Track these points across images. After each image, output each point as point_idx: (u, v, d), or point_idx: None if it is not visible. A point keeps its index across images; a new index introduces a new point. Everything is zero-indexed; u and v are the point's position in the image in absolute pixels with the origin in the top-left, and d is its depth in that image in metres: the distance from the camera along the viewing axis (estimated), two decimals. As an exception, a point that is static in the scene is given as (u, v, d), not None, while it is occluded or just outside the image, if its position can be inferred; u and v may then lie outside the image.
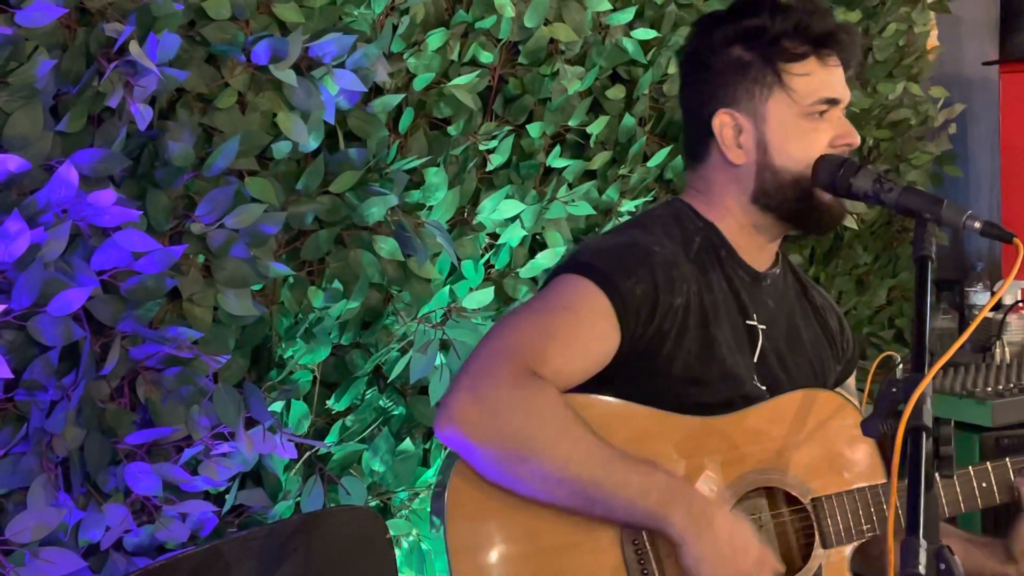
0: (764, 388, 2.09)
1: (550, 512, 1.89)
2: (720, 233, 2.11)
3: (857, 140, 2.06)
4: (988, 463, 2.09)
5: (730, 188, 2.10)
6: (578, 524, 1.90)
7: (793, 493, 2.01)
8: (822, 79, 2.05)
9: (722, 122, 2.07)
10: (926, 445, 1.54)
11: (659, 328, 1.99)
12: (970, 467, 2.08)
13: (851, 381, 2.31)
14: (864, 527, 2.02)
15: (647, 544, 1.91)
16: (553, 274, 2.06)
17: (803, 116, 2.04)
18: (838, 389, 2.26)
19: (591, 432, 1.88)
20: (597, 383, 1.98)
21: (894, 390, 1.62)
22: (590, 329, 1.96)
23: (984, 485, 2.08)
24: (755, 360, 2.09)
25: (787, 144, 2.05)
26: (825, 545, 2.00)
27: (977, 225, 1.82)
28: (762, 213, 2.09)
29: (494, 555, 1.87)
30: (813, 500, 2.01)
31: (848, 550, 2.03)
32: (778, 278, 2.18)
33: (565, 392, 1.93)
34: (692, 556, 1.87)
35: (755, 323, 2.10)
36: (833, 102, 2.06)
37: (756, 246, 2.13)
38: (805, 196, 2.04)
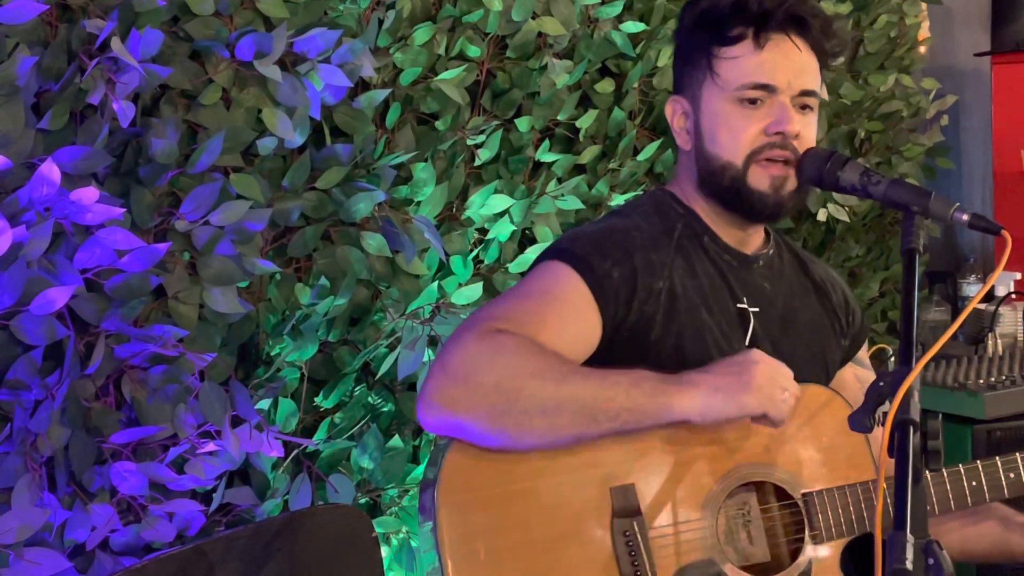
0: None
1: (540, 504, 1.88)
2: (700, 219, 2.11)
3: (794, 128, 2.01)
4: (979, 462, 2.08)
5: (689, 174, 2.12)
6: (569, 516, 1.89)
7: (784, 488, 2.00)
8: (756, 64, 2.02)
9: (672, 109, 2.11)
10: (913, 439, 1.53)
11: (641, 311, 1.99)
12: (960, 465, 2.06)
13: (863, 353, 2.30)
14: (855, 523, 2.00)
15: (638, 535, 1.90)
16: (534, 263, 2.06)
17: (732, 102, 2.03)
18: (851, 366, 2.25)
19: (565, 360, 1.88)
20: None
21: (881, 384, 1.61)
22: (570, 312, 1.95)
23: (975, 484, 2.06)
24: (747, 344, 2.08)
25: (716, 131, 2.04)
26: (815, 541, 1.99)
27: (965, 218, 1.81)
28: (709, 200, 2.09)
29: (486, 546, 1.86)
30: (804, 495, 2.00)
31: (838, 546, 2.01)
32: (772, 258, 2.17)
33: None
34: (711, 404, 1.87)
35: (746, 306, 2.09)
36: (766, 88, 2.01)
37: (735, 229, 2.12)
38: (736, 184, 2.03)
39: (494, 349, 1.84)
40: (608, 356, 1.98)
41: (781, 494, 2.01)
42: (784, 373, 1.92)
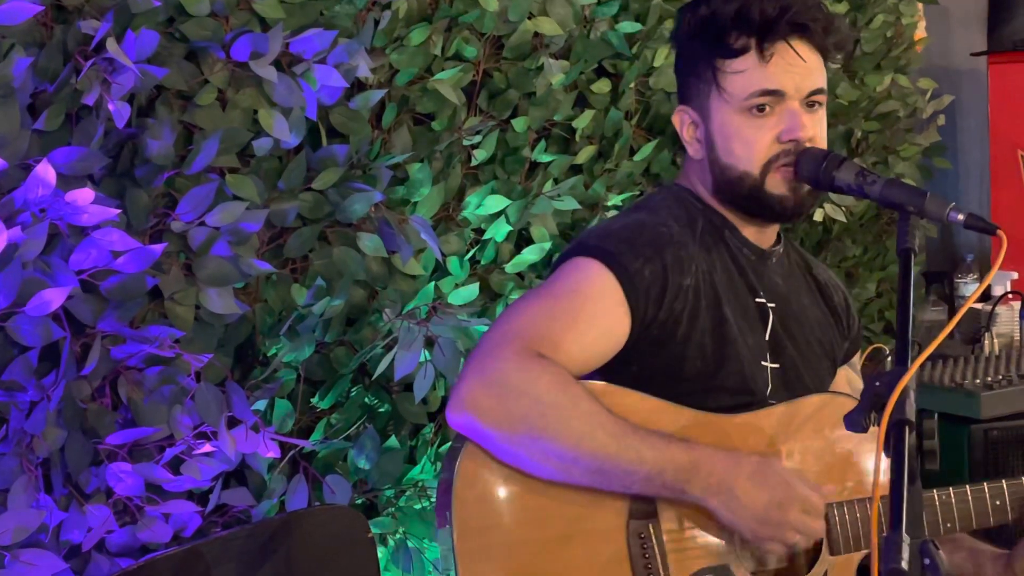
0: (777, 366, 2.07)
1: (557, 501, 1.88)
2: (720, 214, 2.09)
3: (805, 134, 1.99)
4: (1004, 481, 2.05)
5: (702, 179, 2.10)
6: (585, 514, 1.89)
7: None
8: (761, 74, 1.99)
9: (680, 120, 2.09)
10: (909, 439, 1.53)
11: (671, 310, 1.98)
12: (985, 484, 2.04)
13: (856, 359, 2.29)
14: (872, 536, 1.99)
15: (653, 538, 1.90)
16: (561, 259, 2.03)
17: (741, 113, 2.00)
18: (845, 369, 2.25)
19: (602, 407, 1.87)
20: (614, 364, 1.97)
21: (877, 384, 1.61)
22: (600, 311, 1.94)
23: (998, 503, 2.04)
24: (767, 338, 2.08)
25: (729, 142, 2.02)
26: (833, 552, 1.97)
27: (961, 217, 1.80)
28: (724, 205, 2.08)
29: (498, 538, 1.87)
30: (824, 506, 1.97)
31: (856, 558, 2.00)
32: (782, 256, 2.16)
33: (581, 377, 1.92)
34: (724, 522, 1.88)
35: (764, 301, 2.09)
36: (773, 94, 1.99)
37: (754, 227, 2.10)
38: (755, 190, 2.02)
39: (531, 378, 1.85)
40: (634, 353, 1.97)
41: None
42: (812, 510, 1.90)
